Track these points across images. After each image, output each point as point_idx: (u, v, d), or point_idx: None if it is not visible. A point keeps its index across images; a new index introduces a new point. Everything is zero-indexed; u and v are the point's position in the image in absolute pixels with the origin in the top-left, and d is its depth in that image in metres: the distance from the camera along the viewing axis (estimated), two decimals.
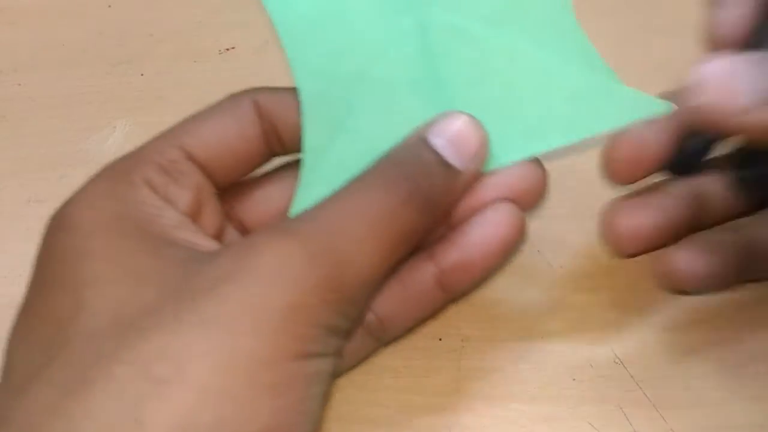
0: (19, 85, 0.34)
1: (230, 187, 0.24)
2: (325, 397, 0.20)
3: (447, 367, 0.25)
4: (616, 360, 0.25)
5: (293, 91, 0.24)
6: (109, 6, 0.36)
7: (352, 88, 0.23)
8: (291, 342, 0.18)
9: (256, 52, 0.34)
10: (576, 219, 0.28)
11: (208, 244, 0.21)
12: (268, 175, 0.25)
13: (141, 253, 0.19)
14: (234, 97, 0.24)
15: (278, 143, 0.24)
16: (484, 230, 0.23)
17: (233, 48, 0.35)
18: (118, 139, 0.32)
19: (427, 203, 0.21)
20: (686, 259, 0.24)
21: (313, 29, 0.24)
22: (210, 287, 0.18)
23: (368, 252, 0.20)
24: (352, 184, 0.21)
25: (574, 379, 0.25)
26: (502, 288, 0.27)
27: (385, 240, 0.20)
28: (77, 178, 0.22)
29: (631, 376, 0.25)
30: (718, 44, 0.23)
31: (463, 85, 0.23)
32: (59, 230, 0.20)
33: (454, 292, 0.24)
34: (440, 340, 0.26)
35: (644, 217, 0.25)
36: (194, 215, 0.22)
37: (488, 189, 0.23)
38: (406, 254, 0.21)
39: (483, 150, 0.22)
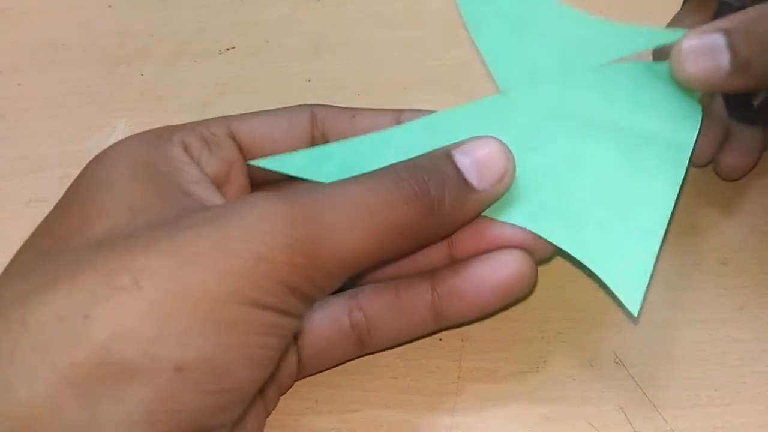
0: (19, 85, 0.34)
1: (268, 183, 0.26)
2: (285, 356, 0.21)
3: (447, 367, 0.26)
4: (616, 360, 0.25)
5: (349, 110, 0.26)
6: (109, 6, 0.36)
7: None
8: (249, 288, 0.19)
9: (256, 52, 0.34)
10: None
11: (218, 202, 0.22)
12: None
13: (150, 196, 0.21)
14: (296, 105, 0.26)
15: None
16: (486, 267, 0.24)
17: (233, 48, 0.35)
18: (118, 139, 0.32)
19: (431, 209, 0.21)
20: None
21: None
22: (190, 225, 0.19)
23: (354, 233, 0.20)
24: (362, 175, 0.22)
25: (574, 379, 0.25)
26: None
27: (377, 229, 0.21)
28: None
29: (631, 376, 0.25)
30: None
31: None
32: (94, 164, 0.23)
33: (444, 318, 0.24)
34: (440, 340, 0.26)
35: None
36: (219, 184, 0.24)
37: (496, 229, 0.24)
38: (399, 252, 0.22)
39: (506, 177, 0.23)
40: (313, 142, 0.26)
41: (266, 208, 0.20)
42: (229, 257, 0.19)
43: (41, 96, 0.33)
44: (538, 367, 0.25)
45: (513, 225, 0.24)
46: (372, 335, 0.24)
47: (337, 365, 0.25)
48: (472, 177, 0.22)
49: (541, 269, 0.27)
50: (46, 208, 0.21)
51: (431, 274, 0.24)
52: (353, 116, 0.26)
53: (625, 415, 0.24)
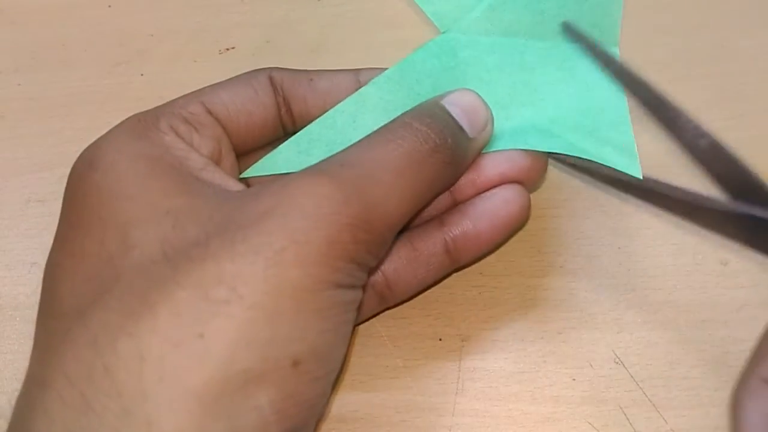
0: (19, 85, 0.34)
1: (245, 157, 0.26)
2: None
3: (447, 367, 0.26)
4: (616, 360, 0.25)
5: (307, 72, 0.26)
6: (109, 6, 0.36)
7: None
8: (329, 273, 0.19)
9: (256, 52, 0.34)
10: (576, 219, 0.28)
11: (236, 185, 0.22)
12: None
13: (176, 193, 0.21)
14: (251, 71, 0.26)
15: (289, 118, 0.26)
16: (493, 205, 0.25)
17: (233, 48, 0.34)
18: None
19: (452, 157, 0.22)
20: None
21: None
22: (255, 221, 0.19)
23: (396, 197, 0.21)
24: (380, 133, 0.22)
25: (574, 379, 0.25)
26: (502, 288, 0.27)
27: (412, 187, 0.21)
28: None
29: (631, 376, 0.25)
30: None
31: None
32: (91, 170, 0.21)
33: (459, 260, 0.25)
34: (440, 340, 0.26)
35: None
36: (215, 163, 0.24)
37: (494, 167, 0.25)
38: (426, 203, 0.23)
39: (489, 126, 0.24)
40: (278, 108, 0.25)
41: (318, 192, 0.20)
42: (305, 248, 0.19)
43: (41, 96, 0.33)
44: (538, 367, 0.25)
45: (504, 158, 0.25)
46: (393, 290, 0.25)
47: (361, 323, 0.26)
48: (464, 125, 0.23)
49: (541, 270, 0.27)
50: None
51: (440, 220, 0.25)
52: (311, 79, 0.26)
53: (625, 415, 0.24)
